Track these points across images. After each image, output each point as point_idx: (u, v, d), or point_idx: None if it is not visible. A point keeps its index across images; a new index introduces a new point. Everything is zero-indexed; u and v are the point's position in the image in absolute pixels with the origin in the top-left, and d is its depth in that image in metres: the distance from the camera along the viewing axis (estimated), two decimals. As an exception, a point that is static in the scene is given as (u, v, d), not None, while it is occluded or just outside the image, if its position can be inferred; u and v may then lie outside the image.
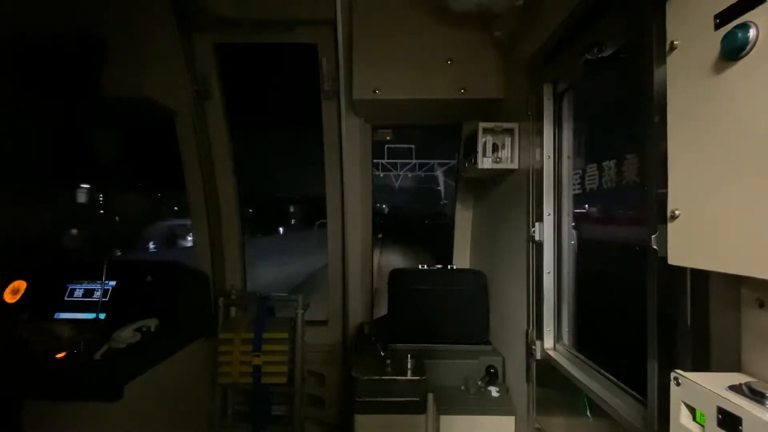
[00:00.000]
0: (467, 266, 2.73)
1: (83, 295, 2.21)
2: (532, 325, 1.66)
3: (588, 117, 1.62)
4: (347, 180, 2.45)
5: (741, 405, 0.63)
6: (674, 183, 0.81)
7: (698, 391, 0.71)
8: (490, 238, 2.36)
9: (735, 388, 0.67)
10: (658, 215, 0.88)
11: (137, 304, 2.09)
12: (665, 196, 0.82)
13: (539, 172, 1.63)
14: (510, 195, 1.98)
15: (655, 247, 0.90)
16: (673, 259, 0.81)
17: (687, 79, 0.78)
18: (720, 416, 0.66)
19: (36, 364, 1.73)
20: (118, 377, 1.68)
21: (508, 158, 1.91)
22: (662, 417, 0.94)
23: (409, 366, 1.85)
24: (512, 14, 1.75)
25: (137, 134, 2.79)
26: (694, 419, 0.72)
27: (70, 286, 2.23)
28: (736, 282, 0.76)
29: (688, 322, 0.87)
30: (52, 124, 2.31)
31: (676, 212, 0.79)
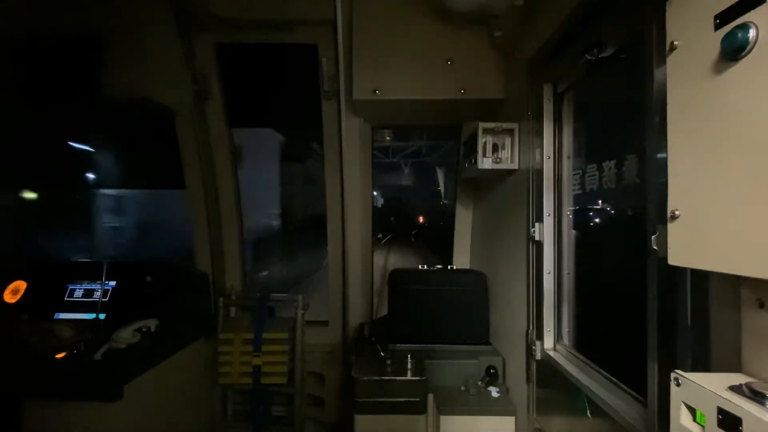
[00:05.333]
0: (467, 266, 2.73)
1: (83, 296, 2.21)
2: (532, 326, 1.66)
3: (588, 117, 1.62)
4: (347, 180, 2.45)
5: (741, 405, 0.63)
6: (674, 183, 0.81)
7: (698, 392, 0.71)
8: (490, 238, 2.36)
9: (735, 389, 0.67)
10: (658, 215, 0.88)
11: (137, 305, 2.09)
12: (665, 196, 0.82)
13: (539, 173, 1.63)
14: (510, 195, 1.98)
15: (655, 247, 0.90)
16: (673, 259, 0.81)
17: (687, 80, 0.78)
18: (720, 417, 0.66)
19: (36, 364, 1.72)
20: (117, 377, 1.68)
21: (508, 158, 1.91)
22: (662, 417, 0.94)
23: (409, 366, 1.85)
24: (512, 14, 1.75)
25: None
26: (695, 419, 0.72)
27: (70, 287, 2.23)
28: (736, 282, 0.76)
29: (688, 322, 0.87)
30: (51, 125, 2.31)
31: (676, 212, 0.79)
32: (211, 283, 2.51)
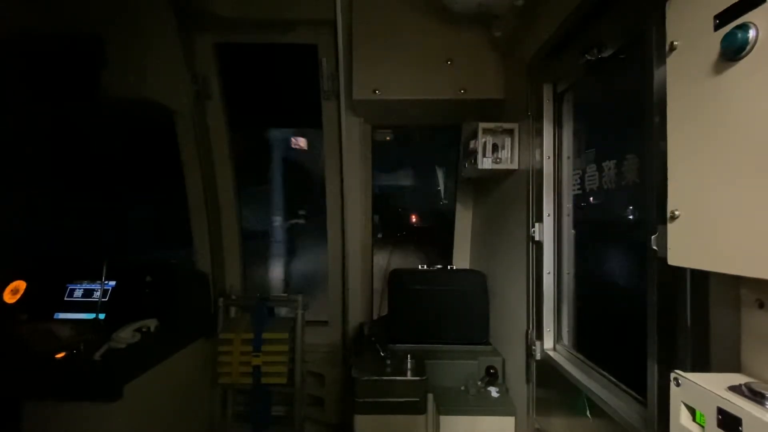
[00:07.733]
0: (467, 266, 2.73)
1: (83, 296, 2.21)
2: (532, 326, 1.66)
3: (588, 117, 1.62)
4: (347, 180, 2.45)
5: (741, 406, 0.63)
6: (674, 183, 0.81)
7: (698, 392, 0.71)
8: (490, 238, 2.36)
9: (735, 389, 0.67)
10: (658, 215, 0.88)
11: (137, 305, 2.09)
12: (665, 196, 0.82)
13: (539, 173, 1.63)
14: (510, 195, 1.98)
15: (654, 247, 0.90)
16: (673, 259, 0.80)
17: (687, 80, 0.78)
18: (720, 417, 0.66)
19: (36, 364, 1.72)
20: (117, 377, 1.68)
21: (508, 159, 1.91)
22: (662, 417, 0.94)
23: (409, 366, 1.85)
24: (512, 14, 1.75)
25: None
26: (694, 420, 0.72)
27: (70, 286, 2.23)
28: (736, 282, 0.76)
29: (688, 322, 0.87)
30: (51, 125, 2.31)
31: (676, 212, 0.79)
32: (211, 283, 2.51)
